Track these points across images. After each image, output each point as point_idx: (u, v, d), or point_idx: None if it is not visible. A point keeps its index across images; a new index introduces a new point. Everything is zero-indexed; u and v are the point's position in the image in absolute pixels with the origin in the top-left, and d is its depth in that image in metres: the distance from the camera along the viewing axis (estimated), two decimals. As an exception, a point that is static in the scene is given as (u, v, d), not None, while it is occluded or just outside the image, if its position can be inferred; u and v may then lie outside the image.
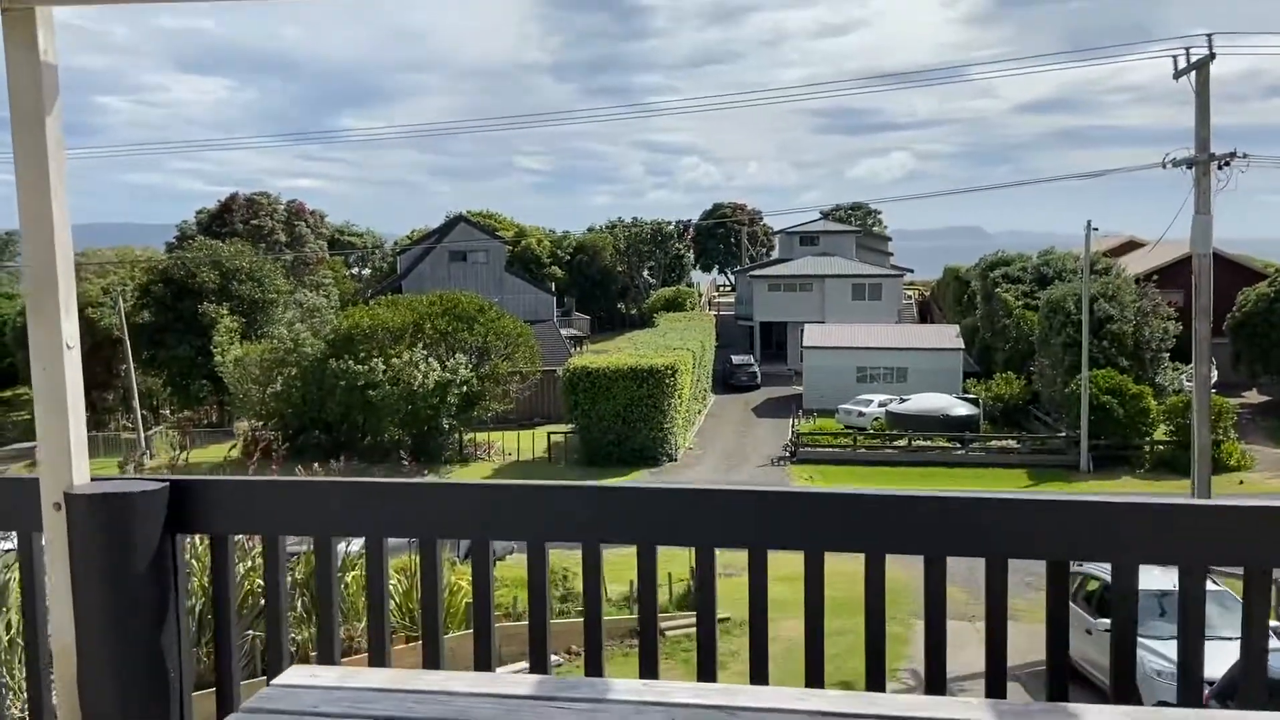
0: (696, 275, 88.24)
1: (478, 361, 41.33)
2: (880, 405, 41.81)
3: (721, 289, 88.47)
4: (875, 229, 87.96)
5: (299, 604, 13.05)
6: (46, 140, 2.09)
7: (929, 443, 37.98)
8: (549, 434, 40.75)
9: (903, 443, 38.18)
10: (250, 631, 10.78)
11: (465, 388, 39.98)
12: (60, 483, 2.17)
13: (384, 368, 38.67)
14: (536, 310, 57.53)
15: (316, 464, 27.11)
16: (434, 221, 70.95)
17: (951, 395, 41.73)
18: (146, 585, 2.19)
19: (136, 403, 43.92)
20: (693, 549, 2.26)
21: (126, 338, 43.71)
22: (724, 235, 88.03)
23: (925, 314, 69.01)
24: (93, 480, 2.23)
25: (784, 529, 2.19)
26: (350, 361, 39.03)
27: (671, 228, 79.29)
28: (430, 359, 39.44)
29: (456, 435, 41.01)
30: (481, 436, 41.98)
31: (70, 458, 2.17)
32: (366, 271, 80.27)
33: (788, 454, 38.67)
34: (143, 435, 43.37)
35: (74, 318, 2.21)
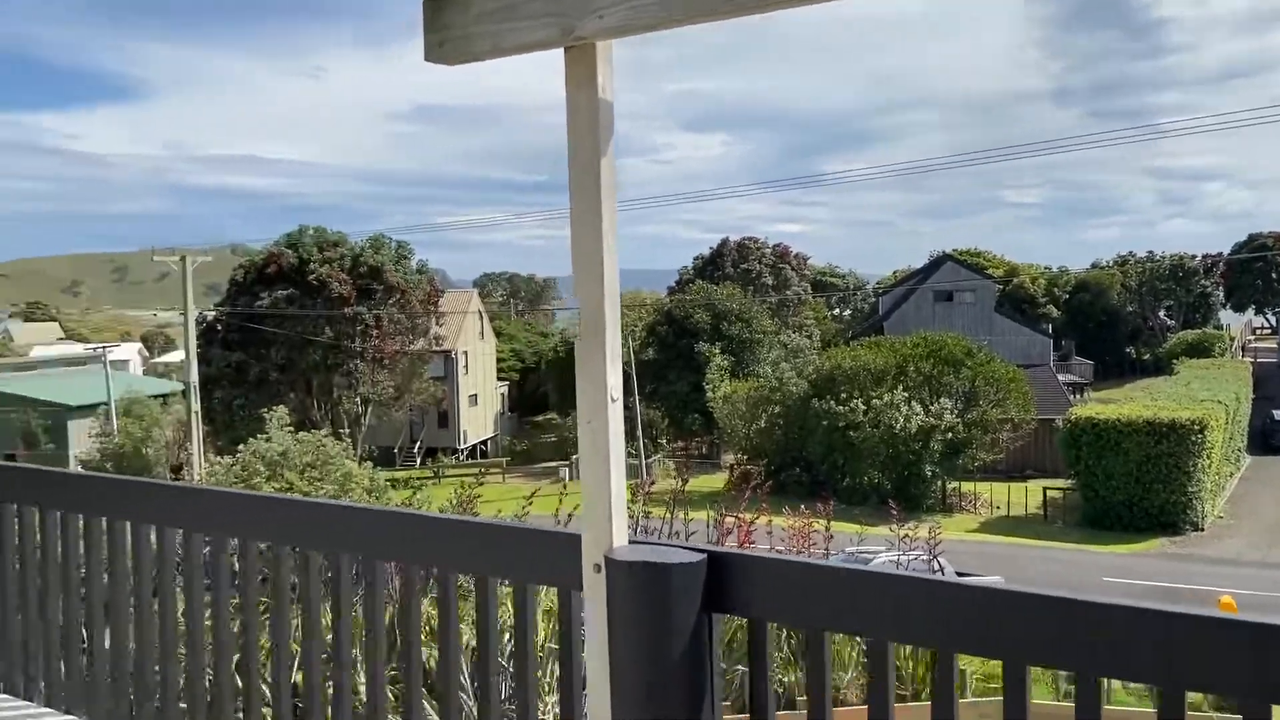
0: (1226, 316, 76.02)
1: (964, 407, 39.07)
2: None
3: (1260, 332, 75.25)
4: None
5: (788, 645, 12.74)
6: (600, 181, 2.06)
7: None
8: (1044, 489, 37.13)
9: None
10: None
11: (950, 434, 37.98)
12: (601, 544, 2.16)
13: (864, 409, 38.12)
14: (1029, 354, 53.33)
15: (802, 505, 27.28)
16: (914, 261, 69.62)
17: None
18: (683, 665, 2.07)
19: (640, 432, 48.19)
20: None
21: (634, 373, 48.23)
22: (1262, 269, 74.88)
23: None
24: (630, 544, 2.20)
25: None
26: (831, 402, 39.08)
27: (1196, 262, 69.17)
28: (913, 402, 38.09)
29: (939, 483, 39.08)
30: (967, 486, 39.54)
31: (611, 517, 2.15)
32: (847, 313, 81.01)
33: (1362, 536, 31.11)
34: (644, 463, 47.44)
35: (618, 369, 2.15)
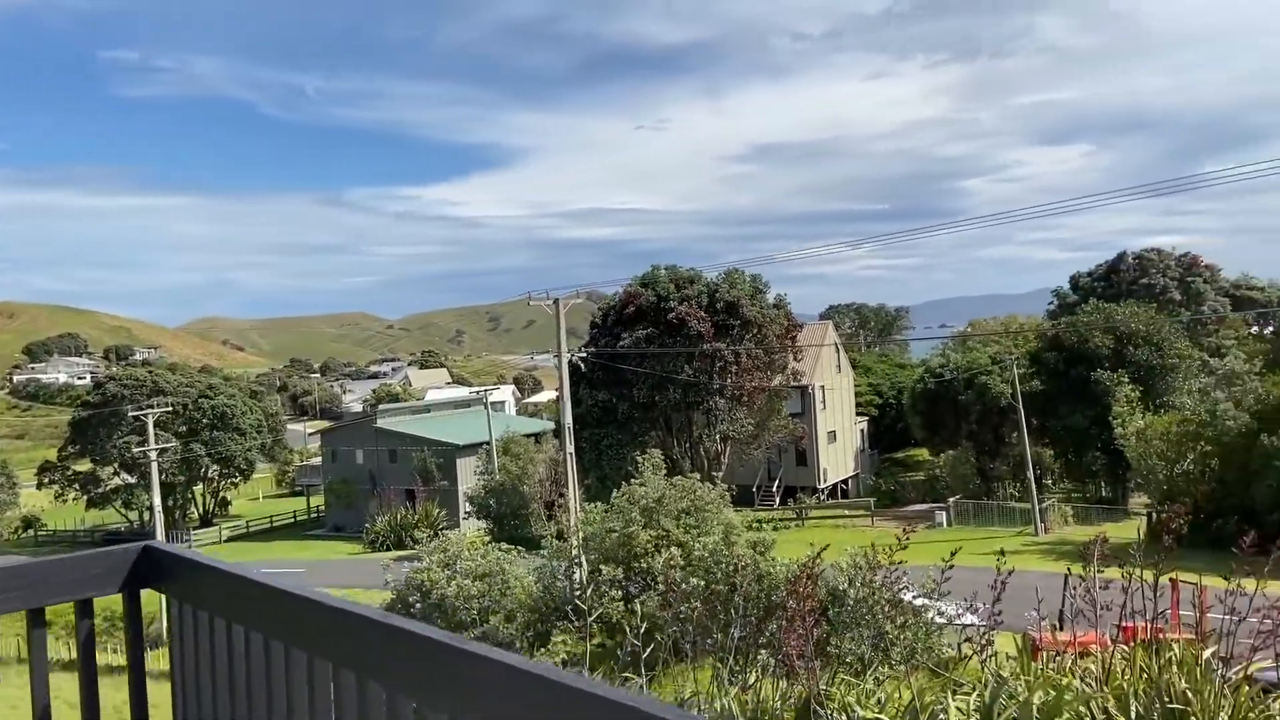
0: None
1: None
2: None
3: None
4: None
5: None
6: None
7: None
8: None
9: None
10: None
11: None
12: None
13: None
14: None
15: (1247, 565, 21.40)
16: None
17: None
18: None
19: (1030, 473, 42.59)
20: None
21: (1020, 405, 42.85)
22: None
23: None
24: None
25: None
26: (1290, 438, 31.72)
27: None
28: None
29: None
30: None
31: None
32: (1269, 330, 68.52)
33: None
34: (1037, 507, 41.75)
35: None
